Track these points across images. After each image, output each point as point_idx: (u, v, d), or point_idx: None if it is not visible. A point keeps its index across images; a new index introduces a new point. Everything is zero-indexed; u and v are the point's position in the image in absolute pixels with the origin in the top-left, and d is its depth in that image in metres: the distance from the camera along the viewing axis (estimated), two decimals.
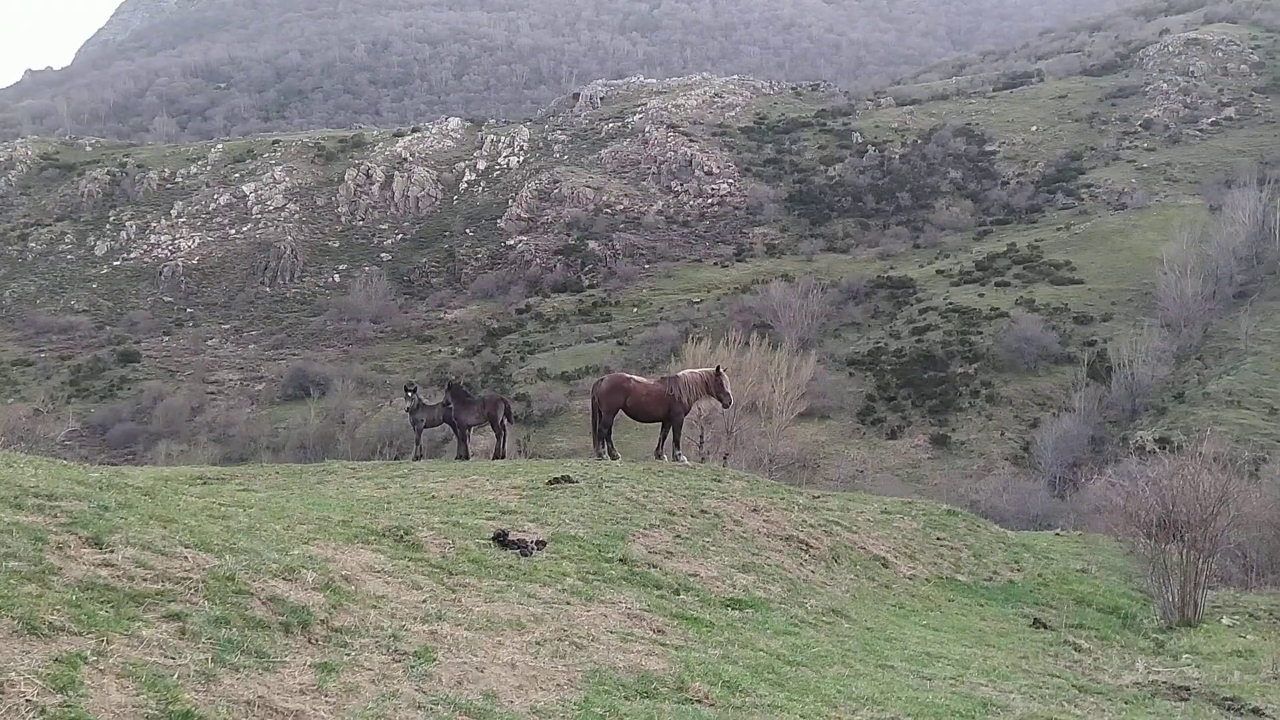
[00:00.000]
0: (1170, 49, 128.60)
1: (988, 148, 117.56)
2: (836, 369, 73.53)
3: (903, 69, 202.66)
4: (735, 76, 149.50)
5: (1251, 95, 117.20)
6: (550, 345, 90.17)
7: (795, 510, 15.18)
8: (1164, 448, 61.18)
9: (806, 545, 13.59)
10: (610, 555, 10.91)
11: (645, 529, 12.42)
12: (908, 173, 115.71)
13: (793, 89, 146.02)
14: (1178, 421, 64.20)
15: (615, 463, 17.93)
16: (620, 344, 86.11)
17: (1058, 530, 24.86)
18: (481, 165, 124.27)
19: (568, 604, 8.77)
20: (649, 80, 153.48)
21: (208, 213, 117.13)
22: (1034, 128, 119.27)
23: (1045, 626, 12.68)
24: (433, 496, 12.67)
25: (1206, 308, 74.96)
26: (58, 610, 5.89)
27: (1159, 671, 10.48)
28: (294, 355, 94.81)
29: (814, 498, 17.22)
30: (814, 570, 12.88)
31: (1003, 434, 68.57)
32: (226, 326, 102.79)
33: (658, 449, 19.76)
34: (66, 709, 4.94)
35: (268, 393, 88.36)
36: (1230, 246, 79.47)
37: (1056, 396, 70.16)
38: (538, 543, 10.66)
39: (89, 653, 5.53)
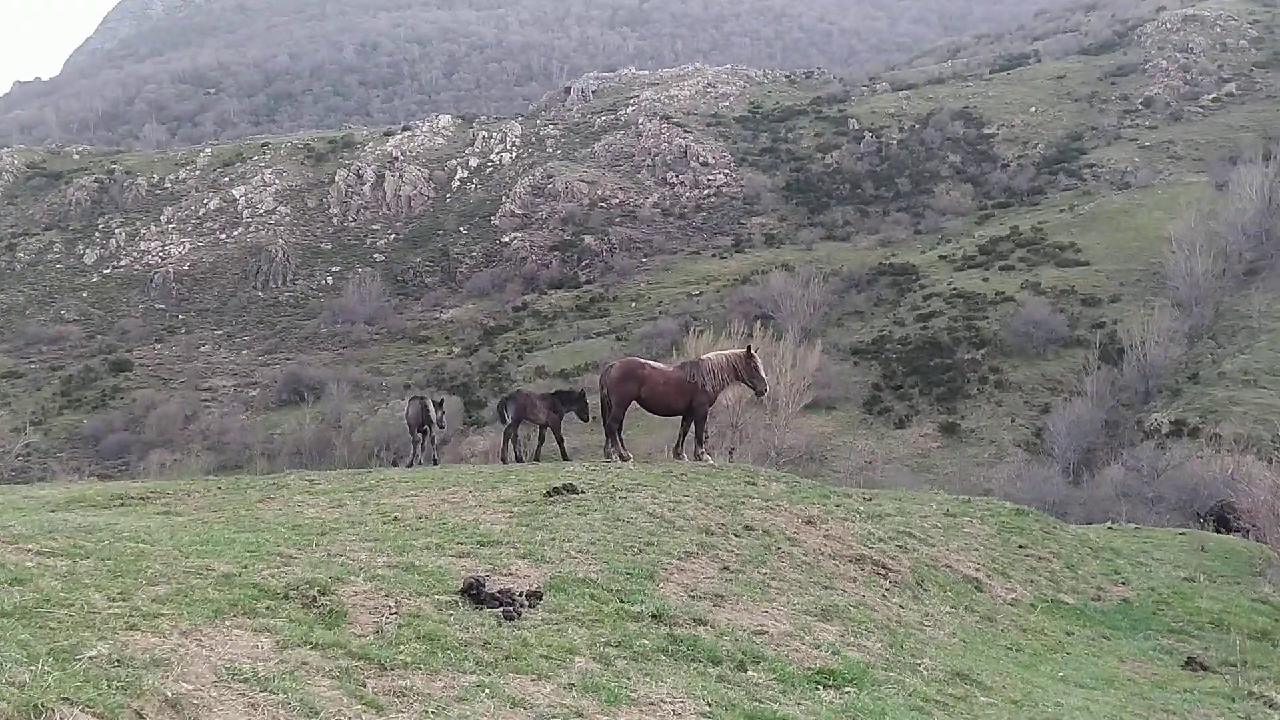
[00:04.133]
0: (1168, 26, 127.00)
1: (986, 130, 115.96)
2: (841, 359, 72.00)
3: (896, 56, 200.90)
4: (728, 66, 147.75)
5: (1252, 70, 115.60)
6: (548, 342, 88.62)
7: (857, 519, 12.69)
8: (1180, 430, 59.99)
9: (884, 568, 10.99)
10: (637, 608, 7.89)
11: (680, 559, 9.57)
12: (906, 158, 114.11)
13: (786, 77, 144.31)
14: (1193, 403, 62.76)
15: (628, 465, 15.48)
16: (619, 339, 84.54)
17: (1111, 524, 23.30)
18: (474, 162, 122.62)
19: (579, 717, 5.83)
20: (641, 72, 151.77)
21: (197, 218, 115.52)
22: (1033, 109, 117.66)
23: (1204, 668, 10.36)
24: (395, 518, 9.99)
25: (1217, 286, 73.43)
26: None
27: None
28: (288, 360, 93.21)
29: (867, 500, 14.65)
30: (902, 604, 10.27)
31: (1013, 420, 67.04)
32: (219, 332, 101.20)
33: (677, 446, 17.40)
34: None
35: (262, 398, 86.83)
36: (1239, 223, 77.90)
37: (1067, 381, 68.61)
38: (529, 595, 7.54)
39: None
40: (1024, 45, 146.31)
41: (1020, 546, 13.57)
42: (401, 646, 6.43)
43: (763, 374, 17.23)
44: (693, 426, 17.14)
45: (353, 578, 7.53)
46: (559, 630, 7.21)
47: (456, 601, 7.39)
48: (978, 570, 12.03)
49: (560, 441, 20.22)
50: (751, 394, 17.95)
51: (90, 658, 5.40)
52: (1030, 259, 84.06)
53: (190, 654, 5.77)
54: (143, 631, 6.01)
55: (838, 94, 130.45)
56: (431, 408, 22.17)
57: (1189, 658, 10.53)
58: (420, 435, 22.21)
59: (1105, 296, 77.03)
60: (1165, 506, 43.11)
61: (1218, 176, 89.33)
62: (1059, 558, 13.57)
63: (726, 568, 9.78)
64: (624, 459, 16.73)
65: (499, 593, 7.50)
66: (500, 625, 7.09)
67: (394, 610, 7.02)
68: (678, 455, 17.43)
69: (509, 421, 20.34)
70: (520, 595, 7.55)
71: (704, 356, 17.73)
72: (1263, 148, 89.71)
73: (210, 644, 6.01)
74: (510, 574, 8.33)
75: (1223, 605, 12.96)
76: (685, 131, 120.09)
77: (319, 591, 7.06)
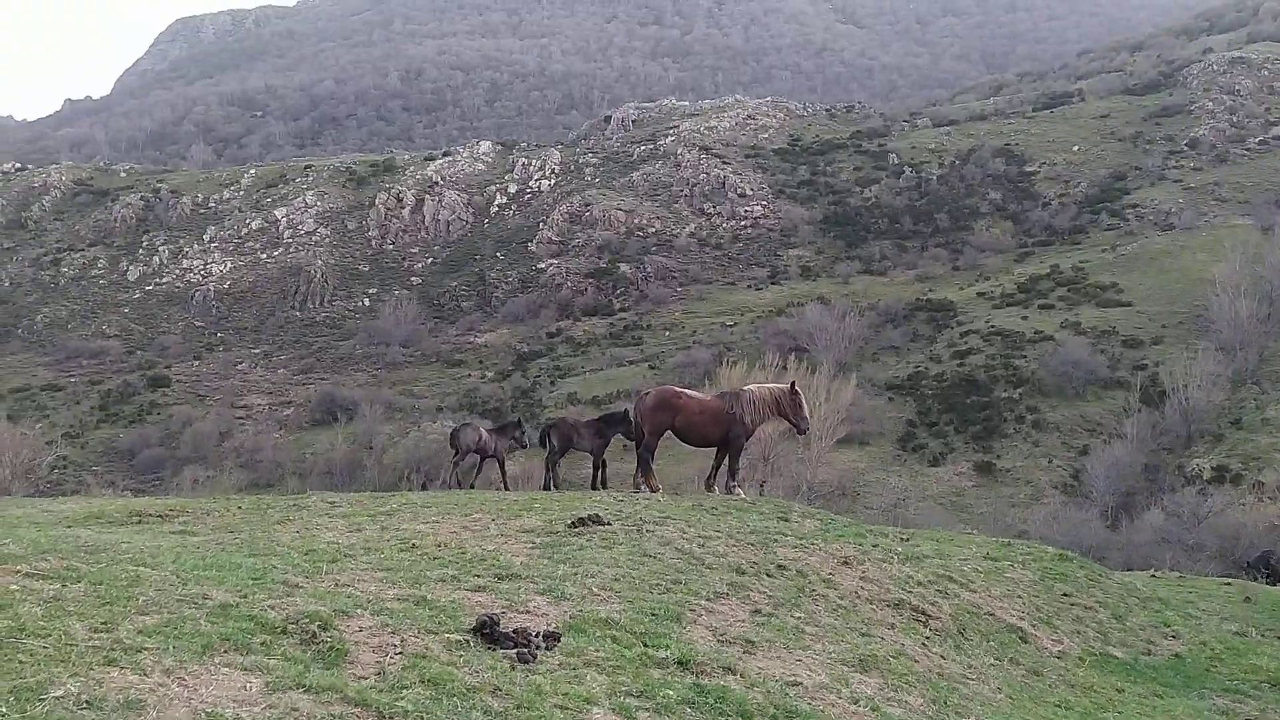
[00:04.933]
0: (1215, 68, 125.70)
1: (1028, 168, 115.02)
2: (875, 394, 71.24)
3: (937, 92, 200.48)
4: (768, 99, 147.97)
5: None
6: (581, 369, 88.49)
7: (895, 561, 12.06)
8: (1222, 476, 58.68)
9: (924, 614, 10.34)
10: (662, 653, 7.37)
11: (709, 599, 9.00)
12: (945, 194, 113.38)
13: (826, 111, 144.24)
14: (1236, 449, 61.47)
15: (657, 498, 14.95)
16: (652, 367, 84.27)
17: (1154, 571, 22.57)
18: (512, 188, 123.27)
19: None
20: (681, 103, 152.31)
21: (239, 237, 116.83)
22: (1075, 147, 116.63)
23: None
24: (412, 545, 9.45)
25: (1262, 330, 72.02)
26: None
27: None
28: (323, 379, 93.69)
29: (904, 540, 14.05)
30: (943, 654, 9.61)
31: (1050, 461, 65.87)
32: (256, 351, 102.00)
33: (710, 478, 16.93)
34: None
35: (296, 417, 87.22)
36: None
37: (1107, 423, 67.41)
38: (547, 635, 7.02)
39: None
40: (1067, 84, 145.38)
41: (1065, 594, 12.93)
42: (404, 691, 5.92)
43: (806, 411, 16.70)
44: (728, 459, 16.65)
45: (359, 611, 7.03)
46: (577, 676, 6.69)
47: (468, 641, 6.88)
48: (1022, 619, 11.43)
49: (603, 469, 19.88)
50: (789, 429, 17.41)
51: (57, 697, 4.94)
52: (1070, 298, 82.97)
53: (169, 695, 5.30)
54: (121, 668, 5.54)
55: (878, 128, 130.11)
56: (483, 433, 22.36)
57: None
58: (461, 459, 22.26)
59: (1147, 338, 75.78)
60: (1206, 555, 42.15)
61: (1263, 219, 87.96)
62: (1105, 607, 12.91)
63: (758, 610, 9.26)
64: (653, 490, 16.30)
65: (514, 632, 7.00)
66: (514, 669, 6.60)
67: (399, 650, 6.51)
68: (710, 488, 16.98)
69: (554, 450, 20.13)
70: (537, 636, 7.05)
71: (745, 388, 17.30)
72: None
73: (194, 684, 5.53)
74: (528, 611, 7.84)
75: (1278, 664, 12.30)
76: (724, 163, 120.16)
77: (320, 626, 6.54)
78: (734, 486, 16.63)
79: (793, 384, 17.04)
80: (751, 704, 6.98)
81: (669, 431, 16.51)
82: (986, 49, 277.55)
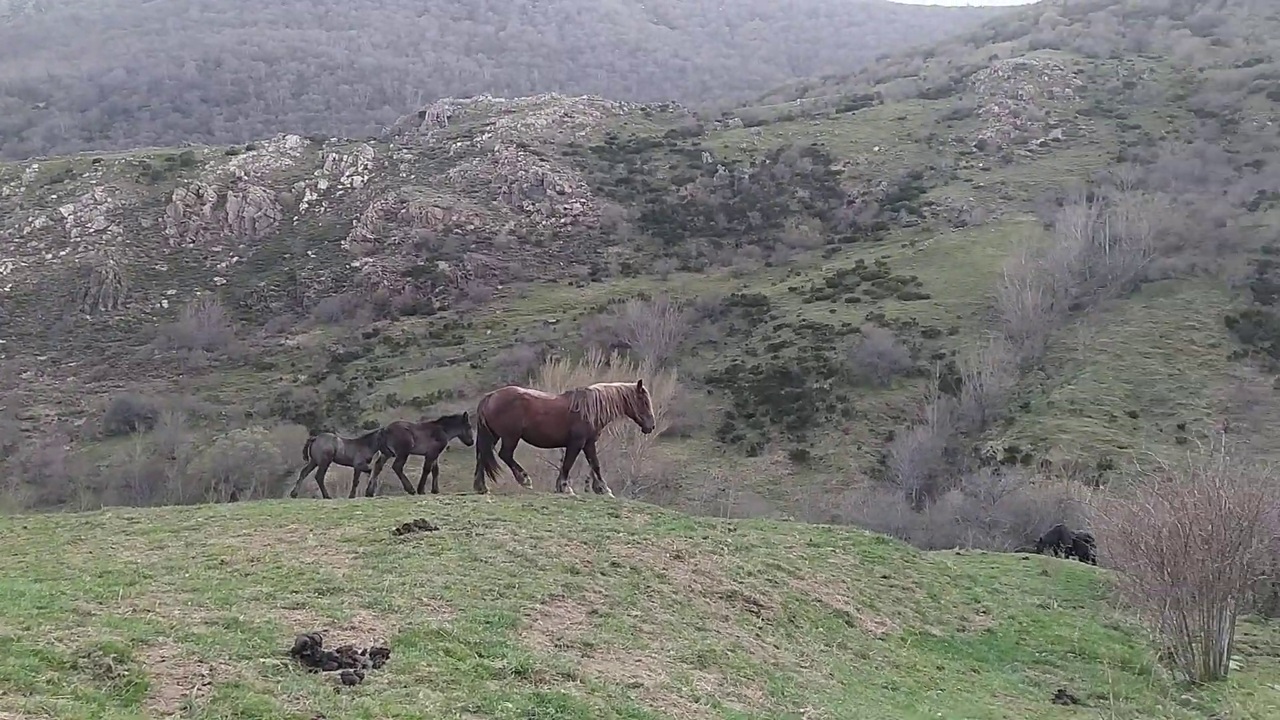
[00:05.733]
0: (1000, 73, 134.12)
1: (833, 167, 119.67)
2: (695, 387, 72.66)
3: (747, 93, 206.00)
4: (584, 96, 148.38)
5: (1076, 117, 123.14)
6: (400, 370, 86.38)
7: (725, 552, 12.13)
8: (1014, 457, 62.72)
9: (756, 605, 10.44)
10: (498, 663, 7.08)
11: (544, 602, 8.77)
12: (757, 192, 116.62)
13: (642, 109, 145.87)
14: (1025, 431, 65.80)
15: (485, 499, 14.56)
16: (474, 367, 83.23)
17: (958, 550, 23.71)
18: (323, 185, 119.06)
19: None
20: (497, 99, 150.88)
21: (21, 236, 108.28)
22: (876, 148, 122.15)
23: (1074, 700, 10.25)
24: (221, 562, 8.69)
25: (1046, 320, 77.35)
26: None
27: None
28: (118, 387, 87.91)
29: (731, 530, 14.13)
30: (777, 643, 9.68)
31: (859, 448, 68.88)
32: (43, 358, 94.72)
33: (559, 480, 16.72)
34: None
35: (89, 428, 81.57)
36: (1064, 261, 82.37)
37: (910, 409, 70.97)
38: (374, 653, 6.48)
39: None
40: (868, 87, 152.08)
41: (884, 577, 13.41)
42: None
43: (652, 410, 16.68)
44: (567, 457, 16.53)
45: (160, 639, 6.37)
46: (408, 695, 6.25)
47: (286, 665, 6.32)
48: (847, 603, 11.78)
49: (435, 474, 19.42)
50: (640, 429, 17.37)
51: None
52: (875, 292, 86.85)
53: None
54: None
55: (692, 128, 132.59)
56: (340, 443, 21.51)
57: (1059, 690, 10.47)
58: (313, 469, 21.30)
59: (944, 329, 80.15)
60: (1001, 531, 44.76)
61: (1045, 216, 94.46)
62: (921, 587, 13.47)
63: (595, 611, 9.08)
64: (482, 491, 15.97)
65: (338, 651, 6.47)
66: (338, 692, 6.11)
67: (208, 680, 5.92)
68: (598, 489, 16.69)
69: (392, 455, 19.60)
70: (363, 654, 6.54)
71: (592, 387, 17.08)
72: (1086, 190, 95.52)
73: None
74: (352, 627, 7.35)
75: (1080, 633, 13.08)
76: (542, 160, 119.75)
77: (116, 659, 5.88)
78: (565, 484, 16.47)
79: (640, 383, 16.95)
80: (594, 711, 6.77)
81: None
82: (793, 52, 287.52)
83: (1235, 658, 12.61)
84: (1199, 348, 72.01)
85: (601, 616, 8.97)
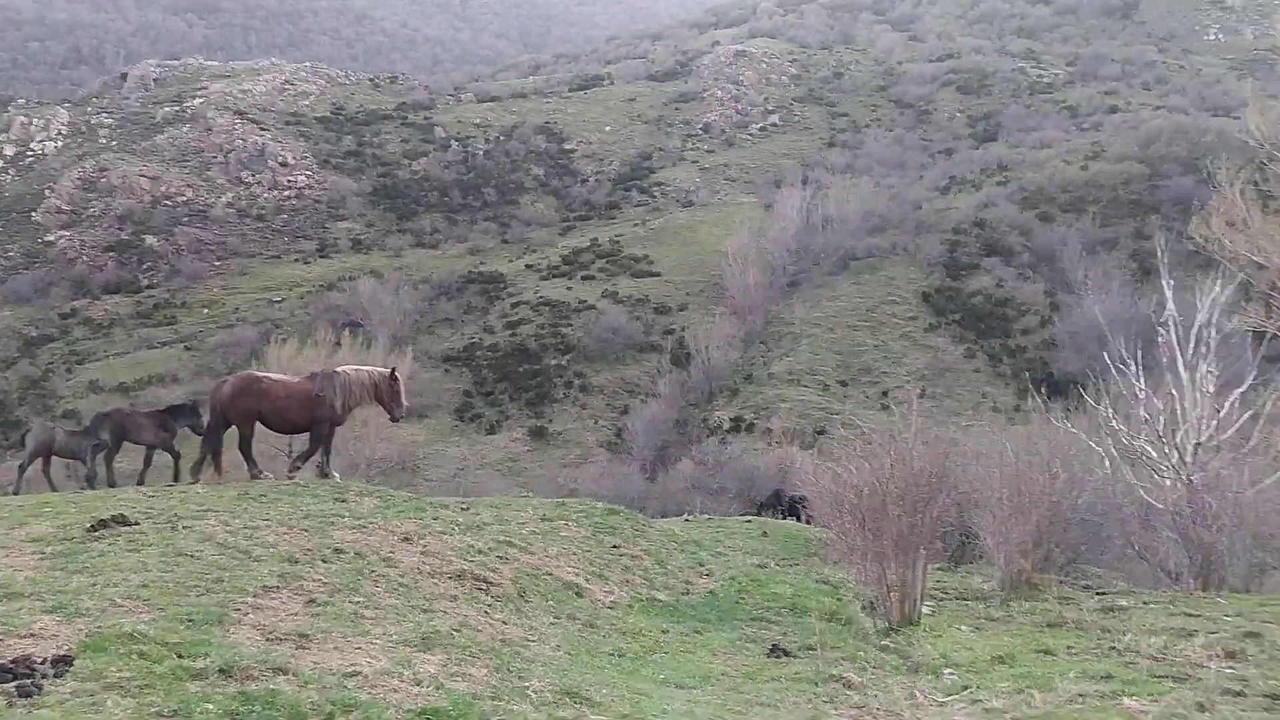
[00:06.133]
0: (722, 59, 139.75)
1: (567, 146, 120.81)
2: (433, 366, 71.62)
3: (479, 68, 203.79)
4: (308, 64, 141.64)
5: (792, 104, 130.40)
6: (104, 353, 79.60)
7: (456, 532, 11.96)
8: (739, 426, 66.07)
9: (486, 582, 10.37)
10: (200, 663, 6.65)
11: (256, 595, 8.36)
12: (492, 168, 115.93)
13: (370, 80, 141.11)
14: (749, 401, 69.37)
15: (196, 489, 13.64)
16: (189, 349, 78.08)
17: (687, 516, 24.64)
18: (10, 150, 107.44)
19: None
20: (210, 63, 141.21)
21: None
22: (608, 128, 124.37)
23: (786, 654, 10.77)
24: None
25: (767, 296, 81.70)
26: None
27: (952, 704, 9.29)
28: None
29: (464, 509, 13.98)
30: (505, 619, 9.70)
31: (596, 422, 70.26)
32: None
33: (322, 465, 15.90)
34: None
35: None
36: (782, 240, 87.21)
37: (643, 383, 73.11)
38: (56, 660, 6.00)
39: None
40: (599, 68, 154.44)
41: (614, 546, 13.77)
42: None
43: (404, 398, 16.10)
44: (317, 443, 15.77)
45: None
46: (94, 704, 5.78)
47: None
48: (577, 575, 11.99)
49: (177, 460, 18.04)
50: (389, 417, 16.68)
51: None
52: (609, 269, 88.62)
53: None
54: None
55: (423, 101, 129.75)
56: (59, 433, 19.48)
57: (773, 645, 11.13)
58: (32, 462, 19.19)
59: (675, 305, 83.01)
60: (728, 496, 46.98)
61: (765, 198, 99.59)
62: (650, 554, 13.94)
63: (313, 600, 8.71)
64: (256, 477, 15.08)
65: (13, 662, 5.92)
66: (11, 705, 5.56)
67: None
68: (324, 474, 15.86)
69: (107, 445, 17.98)
70: (43, 662, 6.02)
71: (339, 369, 16.27)
72: (801, 173, 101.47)
73: None
74: (31, 635, 6.74)
75: (794, 589, 13.99)
76: (262, 129, 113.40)
77: None
78: (329, 470, 15.85)
79: (393, 370, 16.32)
80: (305, 703, 6.50)
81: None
82: (524, 28, 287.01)
83: (928, 603, 13.89)
84: (900, 320, 78.36)
85: (320, 605, 8.66)
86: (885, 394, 66.68)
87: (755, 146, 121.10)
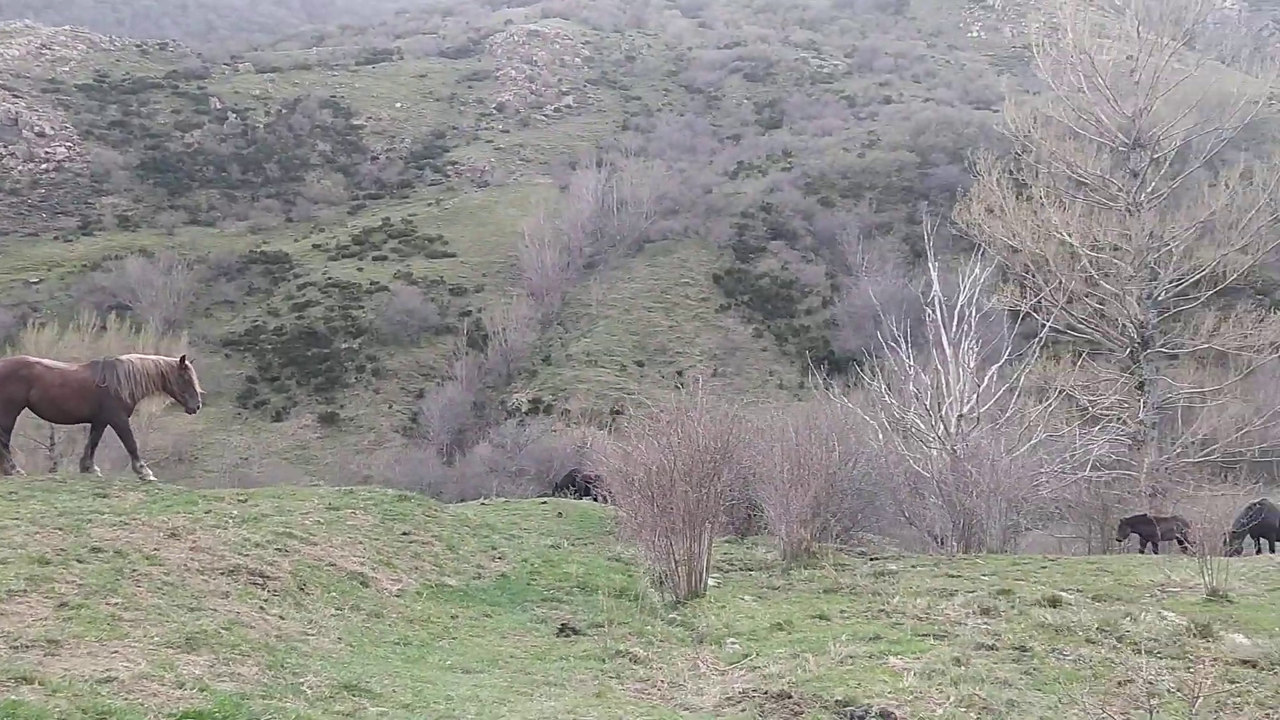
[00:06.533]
0: (515, 38, 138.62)
1: (355, 121, 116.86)
2: (211, 351, 67.96)
3: (258, 36, 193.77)
4: (67, 27, 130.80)
5: (585, 86, 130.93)
6: None
7: (231, 525, 11.40)
8: (537, 408, 66.19)
9: (263, 577, 9.92)
10: None
11: (1, 601, 7.87)
12: (275, 143, 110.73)
13: (138, 46, 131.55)
14: (547, 382, 69.60)
15: None
16: None
17: (483, 500, 24.41)
18: None
19: None
20: None
21: None
22: (399, 104, 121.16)
23: (575, 632, 10.81)
24: None
25: (564, 277, 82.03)
26: None
27: (732, 672, 9.48)
28: None
29: (241, 501, 13.39)
30: (282, 614, 9.28)
31: (391, 407, 68.77)
32: None
33: (85, 458, 14.80)
34: None
35: None
36: (578, 222, 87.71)
37: (439, 366, 72.06)
38: None
39: None
40: (387, 41, 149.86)
41: (404, 533, 13.49)
42: None
43: (197, 387, 15.14)
44: (120, 438, 14.66)
45: None
46: None
47: None
48: (363, 564, 11.66)
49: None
50: (184, 409, 15.50)
51: None
52: (402, 250, 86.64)
53: None
54: None
55: (197, 70, 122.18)
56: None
57: (562, 624, 11.22)
58: None
59: (471, 286, 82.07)
60: (527, 478, 47.11)
61: (560, 180, 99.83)
62: (441, 540, 13.73)
63: (65, 604, 8.16)
64: (6, 474, 13.71)
65: None
66: None
67: None
68: (85, 469, 14.68)
69: None
70: None
71: (122, 357, 15.10)
72: (595, 155, 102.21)
73: None
74: None
75: (586, 568, 14.14)
76: (15, 96, 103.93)
77: None
78: (140, 467, 14.75)
79: (183, 358, 15.22)
80: (53, 713, 6.09)
81: (26, 408, 14.15)
82: None
83: (714, 576, 14.37)
84: (693, 302, 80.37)
85: (73, 609, 8.15)
86: (680, 373, 68.29)
87: (550, 127, 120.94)
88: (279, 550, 11.03)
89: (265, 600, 9.54)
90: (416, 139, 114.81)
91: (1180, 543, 22.39)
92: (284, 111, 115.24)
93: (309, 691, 7.48)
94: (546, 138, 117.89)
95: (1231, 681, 9.12)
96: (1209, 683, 8.28)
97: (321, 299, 77.67)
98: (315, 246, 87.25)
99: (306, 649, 8.57)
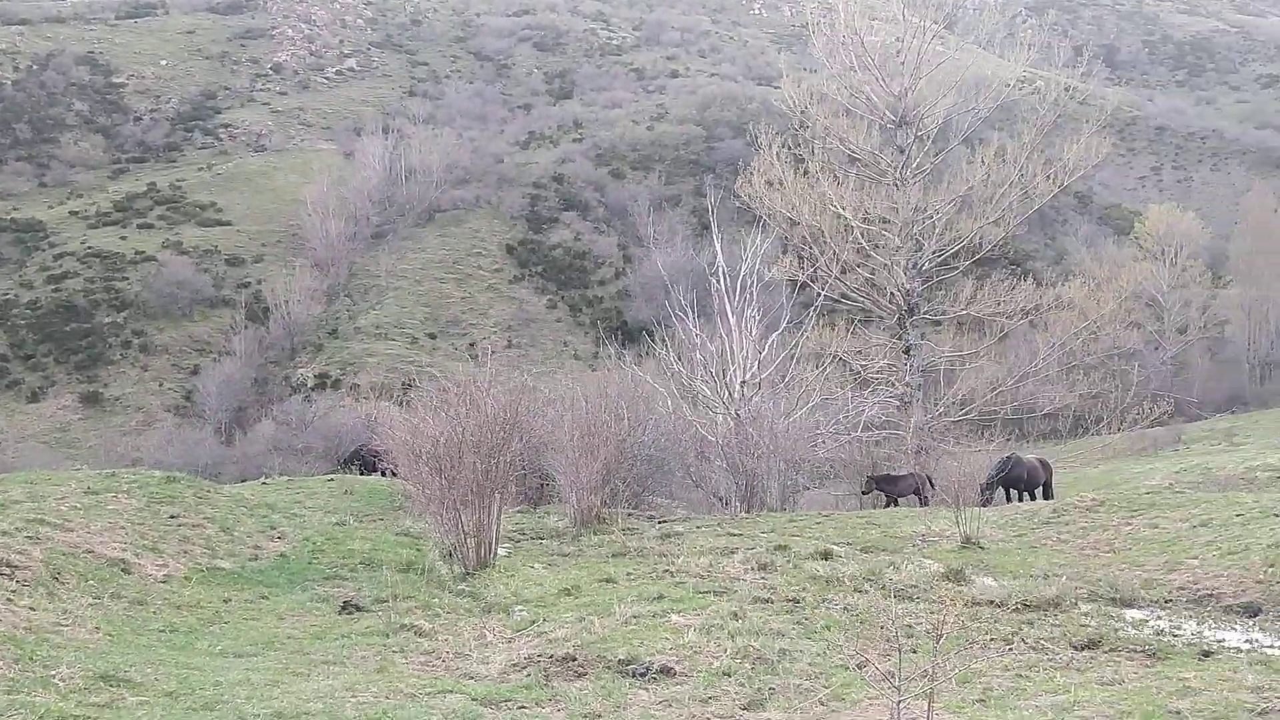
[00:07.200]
0: None
1: (116, 80, 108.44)
2: None
3: None
4: None
5: (369, 49, 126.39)
6: None
7: None
8: (324, 383, 64.02)
9: (11, 566, 9.36)
10: None
11: None
12: (25, 101, 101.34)
13: None
14: (334, 356, 67.50)
15: None
16: None
17: (264, 479, 23.39)
18: None
19: None
20: None
21: None
22: (164, 62, 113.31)
23: (359, 609, 10.48)
24: None
25: (350, 248, 79.42)
26: None
27: (519, 639, 9.36)
28: None
29: None
30: (34, 605, 8.71)
31: (161, 385, 64.94)
32: None
33: None
34: None
35: None
36: (365, 190, 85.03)
37: (216, 341, 68.54)
38: None
39: None
40: None
41: (172, 517, 12.79)
42: None
43: None
44: None
45: None
46: None
47: None
48: (125, 550, 10.99)
49: None
50: None
51: None
52: (171, 218, 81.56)
53: None
54: None
55: None
56: None
57: (345, 602, 10.96)
58: None
59: (249, 256, 78.24)
60: (314, 455, 45.66)
61: (345, 146, 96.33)
62: (214, 522, 13.10)
63: None
64: None
65: None
66: None
67: None
68: None
69: None
70: None
71: None
72: (382, 122, 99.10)
73: None
74: None
75: (372, 544, 13.84)
76: None
77: None
78: None
79: None
80: None
81: None
82: None
83: (504, 545, 14.39)
84: (486, 273, 79.57)
85: None
86: (473, 345, 67.65)
87: (332, 91, 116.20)
88: (29, 538, 10.28)
89: (14, 591, 8.90)
90: (184, 99, 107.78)
91: (918, 495, 24.08)
92: (34, 68, 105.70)
93: (61, 684, 7.10)
94: (328, 101, 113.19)
95: (976, 620, 9.94)
96: (952, 621, 8.98)
97: (81, 270, 72.20)
98: (72, 213, 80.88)
99: (59, 640, 8.06)
